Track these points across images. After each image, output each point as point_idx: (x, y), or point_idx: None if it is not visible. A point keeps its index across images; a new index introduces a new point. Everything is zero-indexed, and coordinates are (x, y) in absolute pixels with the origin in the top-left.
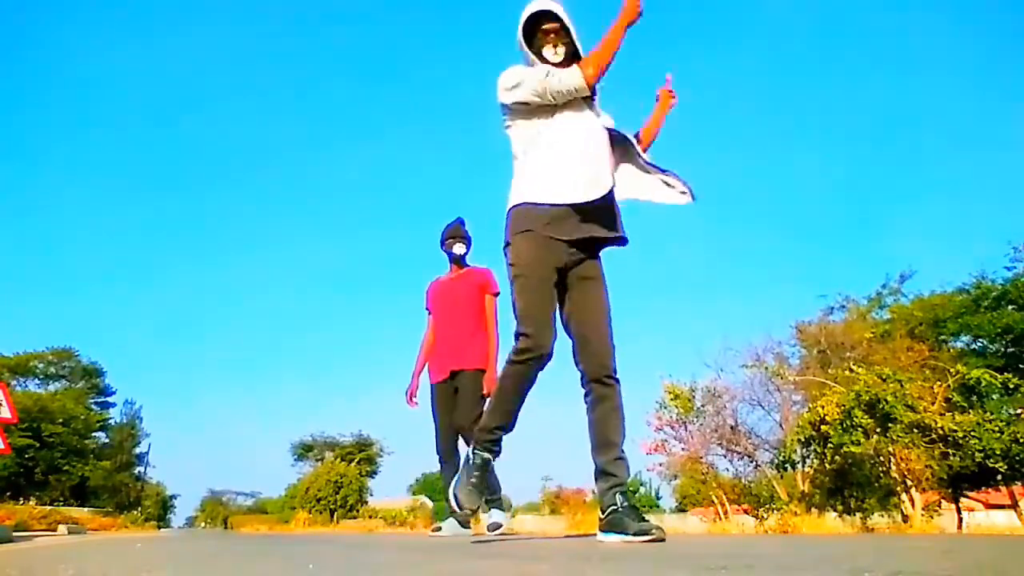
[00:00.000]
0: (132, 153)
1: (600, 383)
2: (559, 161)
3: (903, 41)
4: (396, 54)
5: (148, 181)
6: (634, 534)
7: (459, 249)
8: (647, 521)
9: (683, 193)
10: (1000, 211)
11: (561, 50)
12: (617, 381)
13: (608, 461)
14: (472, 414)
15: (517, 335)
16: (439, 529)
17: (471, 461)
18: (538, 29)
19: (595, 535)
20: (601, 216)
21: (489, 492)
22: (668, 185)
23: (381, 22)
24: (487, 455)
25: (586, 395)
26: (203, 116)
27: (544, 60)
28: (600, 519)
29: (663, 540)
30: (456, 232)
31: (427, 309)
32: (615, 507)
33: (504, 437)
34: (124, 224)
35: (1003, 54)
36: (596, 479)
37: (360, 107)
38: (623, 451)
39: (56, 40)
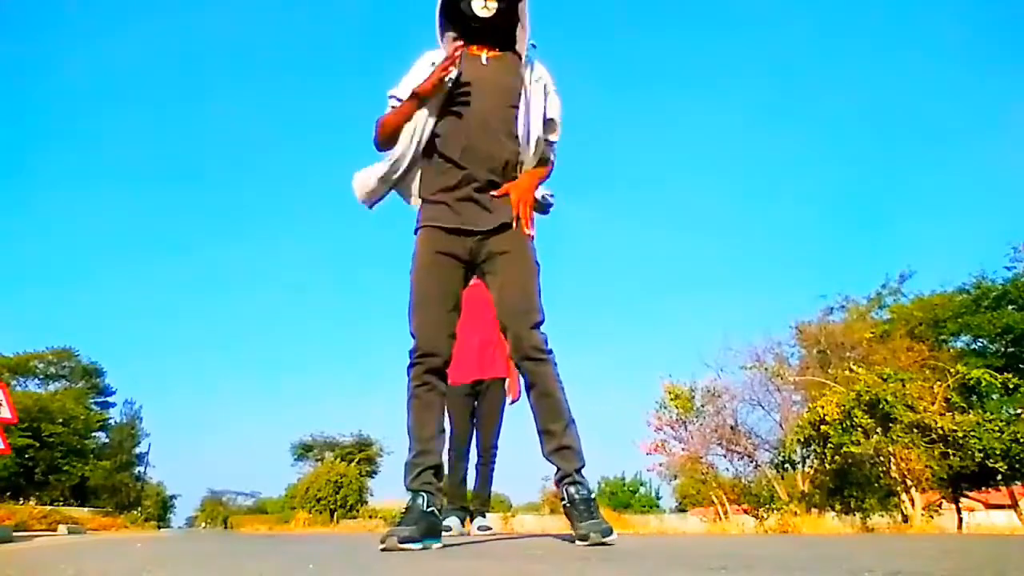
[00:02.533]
0: (131, 152)
1: (527, 361)
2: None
3: (903, 40)
4: (396, 49)
5: (147, 180)
6: (579, 537)
7: None
8: (596, 519)
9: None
10: (1000, 211)
11: (493, 4)
12: (547, 355)
13: (551, 452)
14: (496, 429)
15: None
16: (448, 529)
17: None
18: None
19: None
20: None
21: (481, 501)
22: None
23: (382, 15)
24: (423, 497)
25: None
26: (203, 113)
27: (470, 23)
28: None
29: (605, 544)
30: None
31: None
32: (565, 502)
33: (436, 472)
34: (124, 224)
35: (1003, 53)
36: None
37: (364, 98)
38: (568, 434)
39: (56, 39)
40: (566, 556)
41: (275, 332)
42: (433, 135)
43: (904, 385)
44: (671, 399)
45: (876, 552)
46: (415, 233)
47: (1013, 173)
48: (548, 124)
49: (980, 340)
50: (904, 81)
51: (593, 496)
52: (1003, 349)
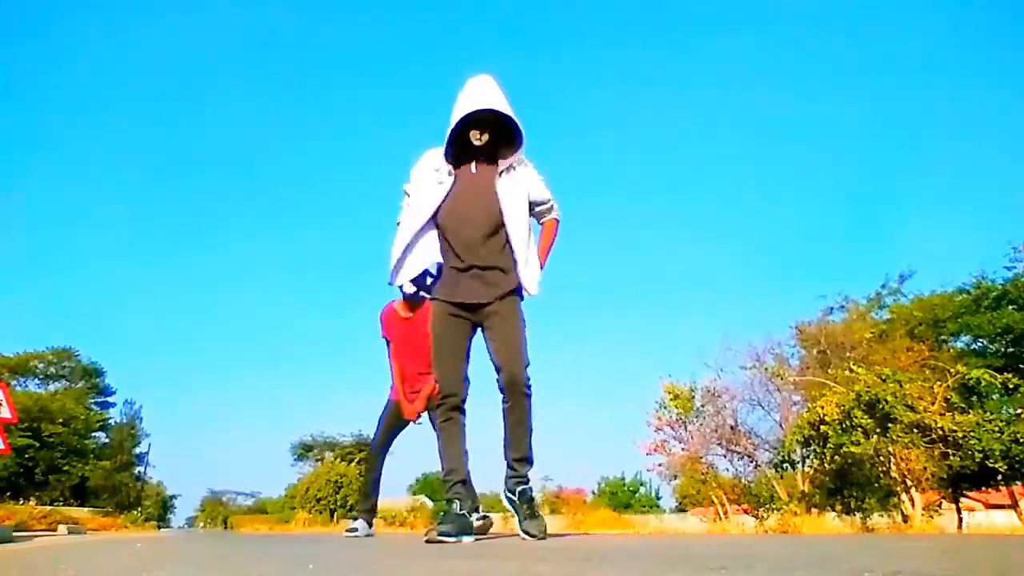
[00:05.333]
0: (132, 151)
1: (517, 392)
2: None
3: (904, 40)
4: (393, 50)
5: (147, 179)
6: (522, 531)
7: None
8: (536, 514)
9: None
10: (1000, 211)
11: (485, 136)
12: (529, 390)
13: (514, 459)
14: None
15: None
16: (354, 530)
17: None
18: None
19: (591, 534)
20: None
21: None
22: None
23: (377, 18)
24: (456, 503)
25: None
26: (204, 111)
27: (470, 143)
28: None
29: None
30: None
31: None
32: (512, 497)
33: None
34: (124, 223)
35: (1003, 53)
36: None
37: (366, 97)
38: (528, 449)
39: (59, 36)
40: (568, 556)
41: (275, 332)
42: (440, 228)
43: (904, 385)
44: (671, 399)
45: (876, 552)
46: (431, 301)
47: (1013, 173)
48: (537, 197)
49: (980, 340)
50: (903, 81)
51: (533, 497)
52: (1003, 349)
